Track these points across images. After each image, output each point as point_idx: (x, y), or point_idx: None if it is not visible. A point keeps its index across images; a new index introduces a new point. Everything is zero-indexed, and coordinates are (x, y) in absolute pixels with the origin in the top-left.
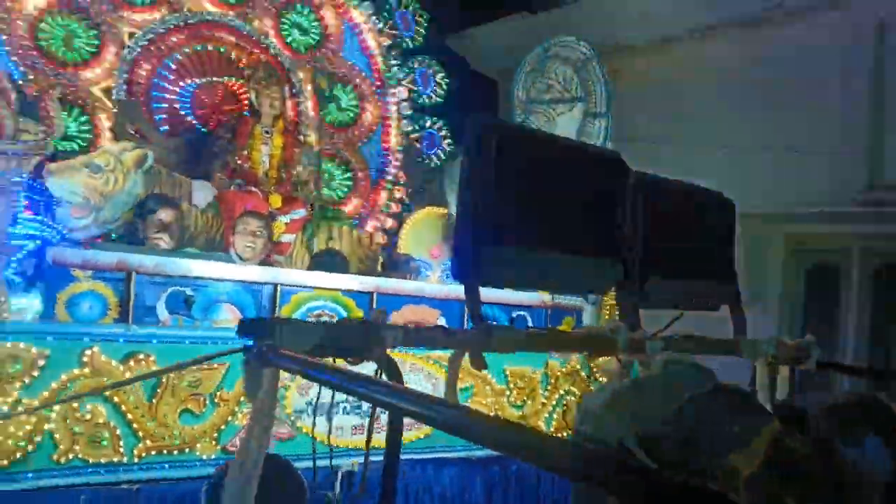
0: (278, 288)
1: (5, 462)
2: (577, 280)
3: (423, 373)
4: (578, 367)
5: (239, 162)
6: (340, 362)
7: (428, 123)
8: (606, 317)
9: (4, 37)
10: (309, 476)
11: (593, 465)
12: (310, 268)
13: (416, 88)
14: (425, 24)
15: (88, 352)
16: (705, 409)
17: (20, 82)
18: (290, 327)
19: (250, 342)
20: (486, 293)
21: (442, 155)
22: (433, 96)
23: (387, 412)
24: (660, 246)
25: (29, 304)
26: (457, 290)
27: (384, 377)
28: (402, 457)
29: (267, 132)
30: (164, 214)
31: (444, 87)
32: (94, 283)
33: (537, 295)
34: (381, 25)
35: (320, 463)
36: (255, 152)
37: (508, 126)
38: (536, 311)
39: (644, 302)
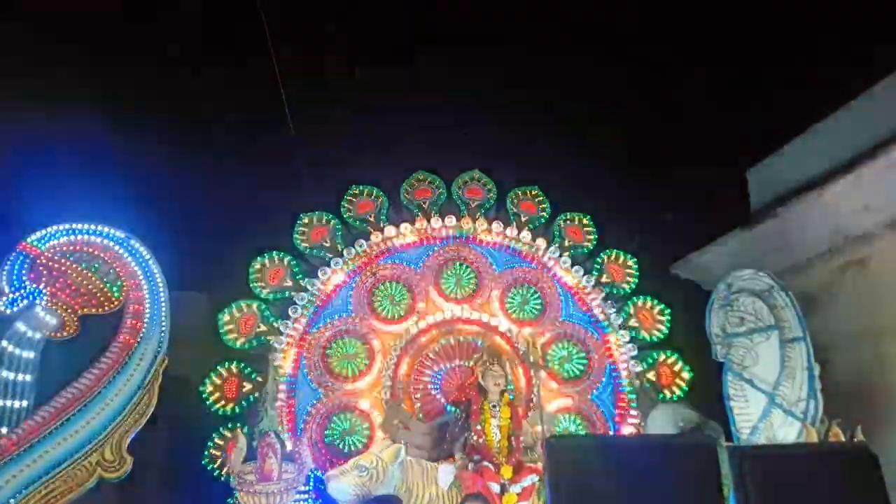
0: None
1: None
2: None
3: None
4: None
5: (475, 437)
6: None
7: (658, 357)
8: None
9: (306, 361)
10: None
11: None
12: None
13: (638, 328)
14: (636, 268)
15: None
16: None
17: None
18: None
19: None
20: None
21: (682, 385)
22: (656, 332)
23: None
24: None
25: None
26: None
27: None
28: None
29: (494, 406)
30: None
31: (668, 321)
32: None
33: None
34: (592, 283)
35: None
36: (487, 426)
37: (576, 438)
38: None
39: None
